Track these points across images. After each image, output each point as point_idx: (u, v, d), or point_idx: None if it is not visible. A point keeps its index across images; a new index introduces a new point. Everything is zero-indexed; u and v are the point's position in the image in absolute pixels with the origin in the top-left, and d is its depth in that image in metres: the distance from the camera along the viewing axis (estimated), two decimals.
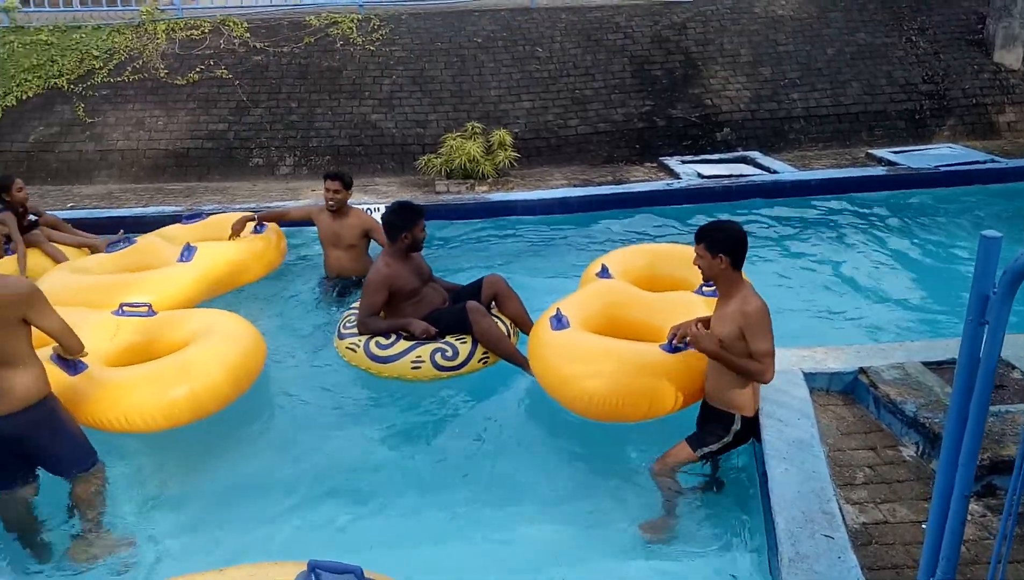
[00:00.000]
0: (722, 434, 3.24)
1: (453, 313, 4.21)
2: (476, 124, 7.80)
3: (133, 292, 4.59)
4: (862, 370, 3.62)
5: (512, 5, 9.45)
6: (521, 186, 7.64)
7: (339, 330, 4.42)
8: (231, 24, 8.96)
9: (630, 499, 3.29)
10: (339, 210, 5.24)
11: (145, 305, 4.28)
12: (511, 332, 4.33)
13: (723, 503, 3.28)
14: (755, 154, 8.29)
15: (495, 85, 8.68)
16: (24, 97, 8.52)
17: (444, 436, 3.85)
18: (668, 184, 7.44)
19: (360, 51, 8.80)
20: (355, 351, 4.19)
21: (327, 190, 5.19)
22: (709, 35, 9.13)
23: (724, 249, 3.07)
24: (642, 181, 7.66)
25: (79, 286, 4.75)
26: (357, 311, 4.30)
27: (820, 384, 3.67)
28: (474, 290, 4.42)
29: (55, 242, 5.58)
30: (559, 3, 9.55)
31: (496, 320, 4.26)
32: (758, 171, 7.75)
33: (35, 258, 5.36)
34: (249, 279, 5.35)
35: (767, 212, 6.95)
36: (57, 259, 5.41)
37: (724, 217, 6.57)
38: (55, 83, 8.56)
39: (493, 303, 4.42)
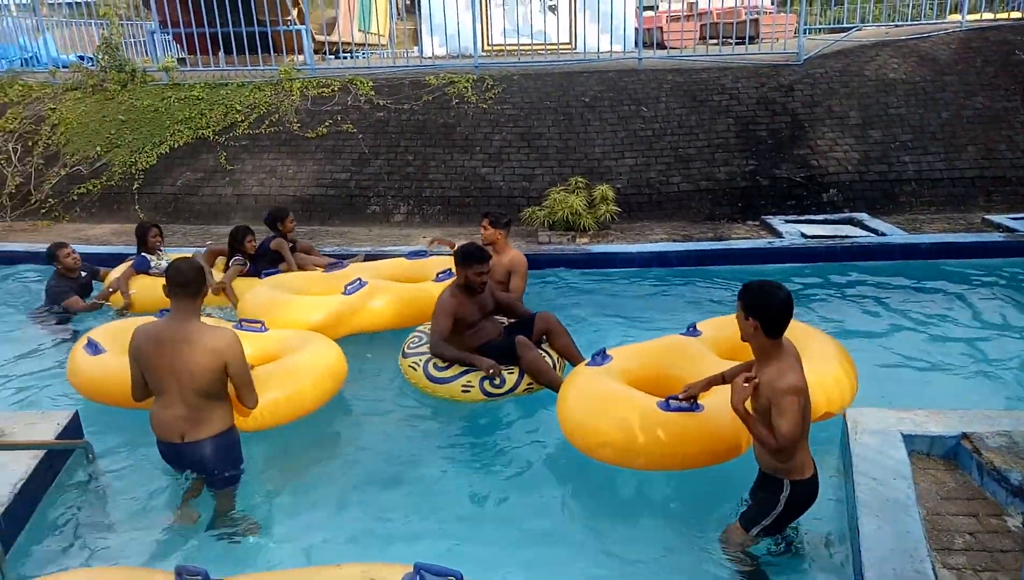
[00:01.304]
0: (772, 505, 2.96)
1: (504, 345, 4.65)
2: (580, 179, 8.11)
3: (285, 313, 5.27)
4: (965, 435, 3.56)
5: (620, 67, 9.82)
6: (621, 239, 7.84)
7: (403, 349, 4.97)
8: (358, 83, 9.75)
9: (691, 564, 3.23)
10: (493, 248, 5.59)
11: (259, 322, 4.92)
12: (557, 364, 4.73)
13: (806, 567, 3.19)
14: (862, 216, 8.19)
15: (600, 142, 9.00)
16: (176, 145, 9.53)
17: (495, 455, 4.17)
18: (770, 242, 7.46)
19: (473, 109, 9.36)
20: (415, 370, 4.70)
21: (482, 228, 5.66)
22: (817, 97, 9.16)
23: (756, 313, 2.83)
24: (744, 238, 7.71)
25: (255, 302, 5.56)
26: (426, 334, 4.95)
27: (920, 447, 3.62)
28: (527, 325, 4.88)
29: (315, 264, 6.52)
30: (666, 65, 9.84)
31: (543, 353, 4.67)
32: (865, 233, 7.65)
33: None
34: (399, 325, 5.63)
35: (873, 274, 6.84)
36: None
37: (832, 277, 6.63)
38: (202, 133, 9.54)
39: (545, 338, 4.87)
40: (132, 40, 12.24)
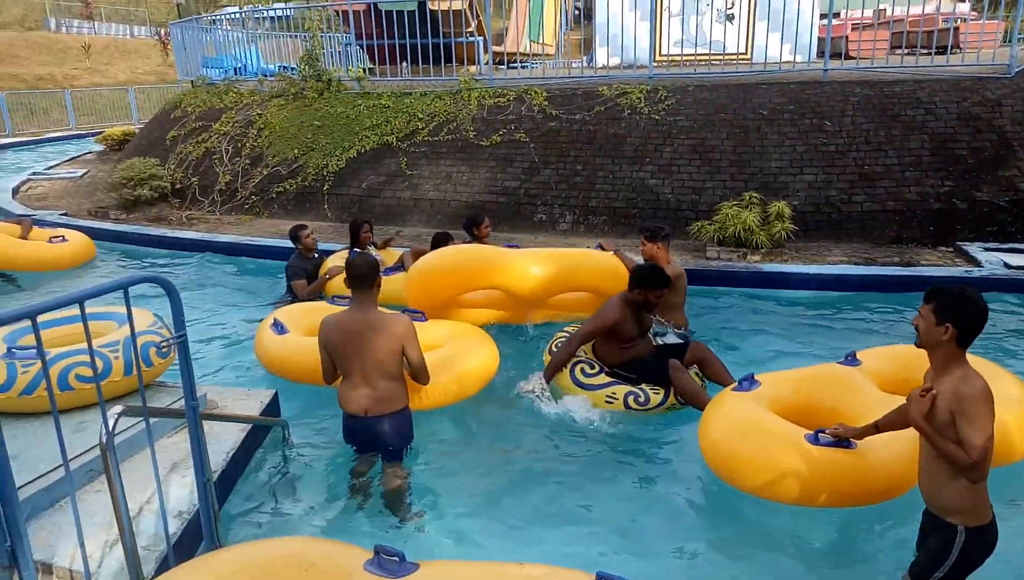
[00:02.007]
0: (945, 555, 2.68)
1: (653, 364, 4.78)
2: (754, 194, 7.86)
3: None
4: None
5: (802, 79, 9.40)
6: (796, 259, 7.51)
7: (549, 347, 5.20)
8: (532, 93, 10.01)
9: None
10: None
11: (420, 313, 5.30)
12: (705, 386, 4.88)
13: None
14: None
15: (776, 157, 8.67)
16: (363, 150, 10.25)
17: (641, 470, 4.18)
18: (967, 271, 6.85)
19: (645, 120, 9.33)
20: (563, 370, 4.87)
21: (641, 244, 5.75)
22: None
23: (954, 319, 2.59)
24: (934, 265, 7.14)
25: None
26: (567, 333, 5.16)
27: None
28: (680, 351, 4.95)
29: None
30: (854, 77, 9.30)
31: (693, 376, 4.80)
32: None
33: None
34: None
35: None
36: None
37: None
38: (387, 140, 10.20)
39: (697, 367, 5.00)
40: (326, 51, 13.28)
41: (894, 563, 3.17)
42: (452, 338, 5.06)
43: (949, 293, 2.65)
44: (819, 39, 11.48)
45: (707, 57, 10.57)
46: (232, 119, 11.51)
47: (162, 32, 34.73)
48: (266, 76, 12.47)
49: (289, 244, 7.08)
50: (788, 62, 10.33)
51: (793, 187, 8.40)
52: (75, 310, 2.48)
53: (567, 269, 5.72)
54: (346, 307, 3.95)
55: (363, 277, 3.74)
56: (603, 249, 6.11)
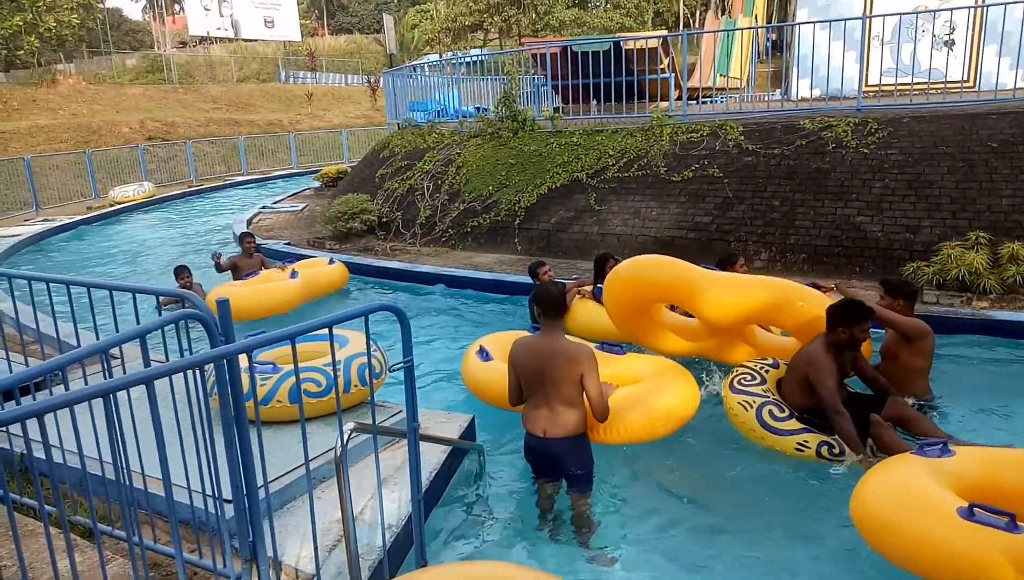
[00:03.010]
0: None
1: (852, 416, 4.31)
2: (982, 234, 7.10)
3: None
4: None
5: None
6: None
7: (731, 384, 4.79)
8: (728, 128, 9.79)
9: None
10: None
11: (619, 346, 5.26)
12: None
13: None
14: None
15: (1009, 193, 7.78)
16: (553, 186, 10.53)
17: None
18: None
19: (852, 154, 8.77)
20: (747, 410, 4.56)
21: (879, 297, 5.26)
22: None
23: None
24: None
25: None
26: (759, 373, 4.80)
27: None
28: (878, 404, 4.55)
29: None
30: None
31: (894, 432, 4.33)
32: None
33: None
34: None
35: None
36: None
37: None
38: (577, 176, 10.41)
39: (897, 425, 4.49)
40: (521, 92, 13.88)
41: None
42: (652, 374, 4.96)
43: None
44: None
45: (924, 86, 9.78)
46: (434, 158, 12.31)
47: (372, 80, 38.12)
48: (465, 117, 13.23)
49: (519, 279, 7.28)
50: (1021, 89, 9.28)
51: None
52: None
53: (775, 300, 5.13)
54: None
55: (551, 306, 3.89)
56: (818, 288, 5.50)
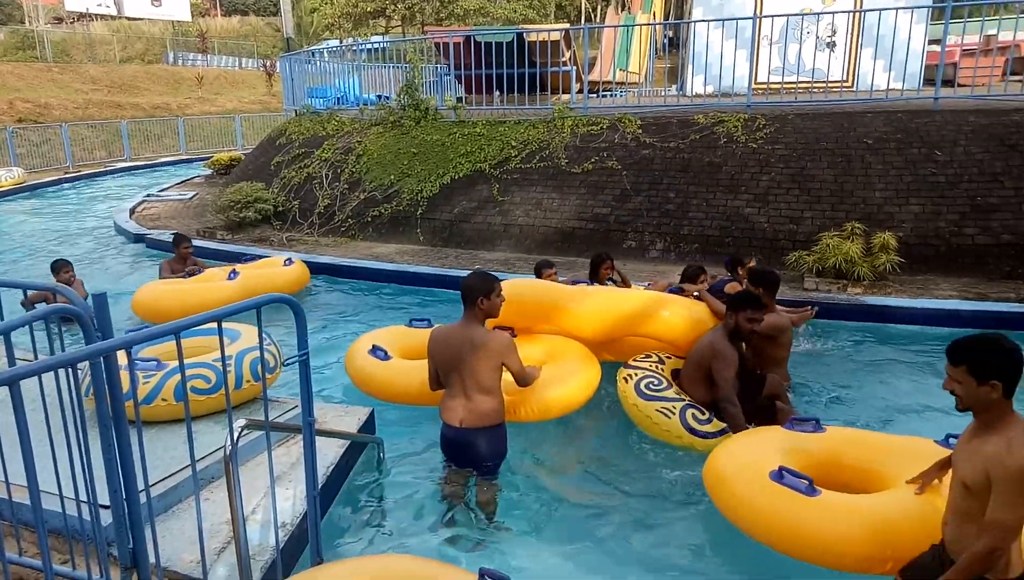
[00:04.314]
0: None
1: (760, 407, 4.53)
2: (857, 225, 7.58)
3: None
4: None
5: (911, 107, 9.05)
6: (901, 293, 7.18)
7: (639, 388, 4.61)
8: (626, 121, 10.02)
9: None
10: None
11: (508, 329, 5.21)
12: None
13: None
14: None
15: (881, 187, 8.34)
16: (456, 177, 10.48)
17: None
18: None
19: (742, 148, 9.16)
20: (668, 417, 4.39)
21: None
22: None
23: (998, 373, 2.35)
24: None
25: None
26: (647, 368, 4.80)
27: None
28: (758, 385, 4.66)
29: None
30: (967, 105, 8.88)
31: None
32: None
33: None
34: None
35: None
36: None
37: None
38: (480, 167, 10.39)
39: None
40: (424, 81, 13.71)
41: None
42: (555, 355, 5.07)
43: (982, 347, 2.40)
44: (926, 66, 11.05)
45: (808, 84, 10.32)
46: (333, 146, 12.00)
47: (268, 64, 36.72)
48: (367, 105, 12.96)
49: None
50: (893, 90, 9.96)
51: (898, 218, 8.06)
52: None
53: (640, 311, 5.22)
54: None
55: (465, 294, 3.86)
56: (682, 293, 5.67)
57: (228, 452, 2.42)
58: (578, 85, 11.51)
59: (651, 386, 4.61)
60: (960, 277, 7.61)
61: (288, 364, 2.89)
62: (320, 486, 3.74)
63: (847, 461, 3.67)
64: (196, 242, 10.50)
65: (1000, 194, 7.90)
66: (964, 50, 12.01)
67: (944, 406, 4.89)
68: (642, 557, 3.55)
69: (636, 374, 4.76)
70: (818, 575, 3.20)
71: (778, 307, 6.25)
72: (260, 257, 8.84)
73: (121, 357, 2.63)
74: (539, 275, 6.29)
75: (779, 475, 3.32)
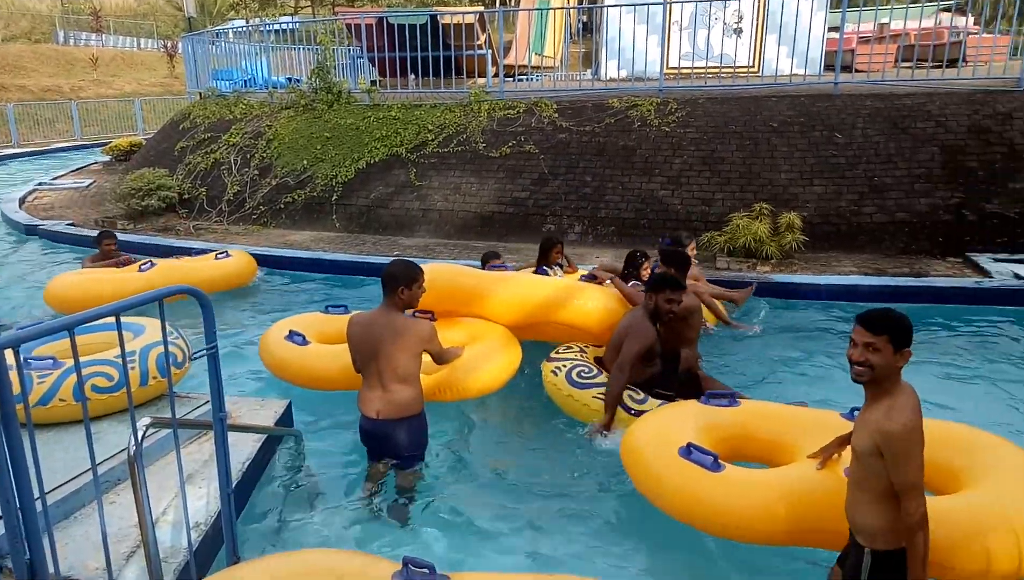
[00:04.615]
0: (852, 575, 2.60)
1: (687, 378, 4.68)
2: (765, 205, 7.85)
3: None
4: None
5: (813, 92, 9.42)
6: (806, 270, 7.49)
7: (571, 378, 4.62)
8: (543, 105, 10.04)
9: None
10: None
11: (429, 313, 5.14)
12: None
13: None
14: None
15: (786, 168, 8.67)
16: (372, 161, 10.27)
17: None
18: (977, 282, 6.84)
19: (655, 132, 9.34)
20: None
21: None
22: None
23: (910, 343, 2.47)
24: (945, 276, 7.13)
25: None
26: (573, 359, 4.79)
27: None
28: (674, 361, 4.75)
29: (712, 293, 6.45)
30: (864, 90, 9.32)
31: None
32: None
33: None
34: None
35: None
36: (712, 308, 6.23)
37: None
38: (396, 151, 10.22)
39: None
40: (336, 64, 13.35)
41: None
42: (473, 337, 5.07)
43: (896, 318, 2.49)
44: (826, 53, 11.52)
45: (716, 70, 10.60)
46: (241, 130, 11.55)
47: (169, 45, 34.98)
48: (276, 88, 12.52)
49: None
50: (796, 75, 10.35)
51: (803, 198, 8.40)
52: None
53: (553, 300, 5.26)
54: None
55: (385, 282, 3.78)
56: (594, 279, 5.65)
57: (132, 452, 2.28)
58: (494, 69, 11.46)
59: (583, 374, 4.60)
60: (860, 254, 8.01)
61: (196, 358, 2.77)
62: (235, 483, 3.62)
63: (758, 434, 3.77)
64: (95, 232, 9.90)
65: (894, 174, 8.35)
66: (860, 37, 12.61)
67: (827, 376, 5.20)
68: (567, 536, 3.58)
69: (564, 365, 4.73)
70: (738, 550, 3.32)
71: (718, 287, 6.47)
72: (205, 252, 8.16)
73: (10, 356, 2.44)
74: (484, 266, 6.20)
75: (687, 451, 3.39)
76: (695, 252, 6.41)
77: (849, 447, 3.13)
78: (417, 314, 5.23)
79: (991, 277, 6.94)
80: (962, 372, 5.39)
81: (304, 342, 5.12)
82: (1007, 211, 7.86)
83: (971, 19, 14.67)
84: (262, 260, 8.67)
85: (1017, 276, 6.88)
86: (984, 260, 7.42)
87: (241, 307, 7.30)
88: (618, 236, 8.79)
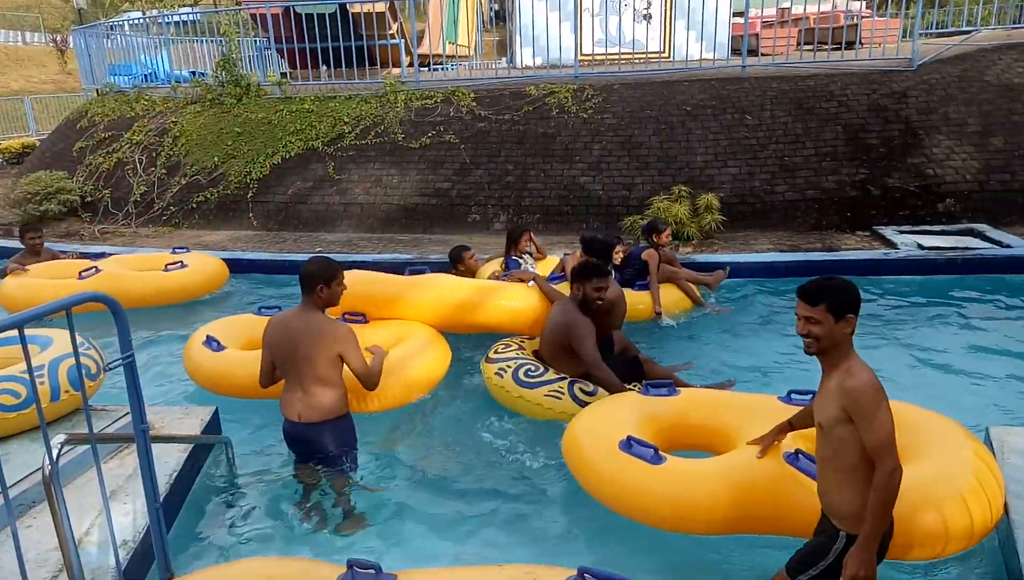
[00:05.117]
0: (822, 554, 2.55)
1: (623, 363, 4.61)
2: (683, 188, 8.04)
3: None
4: None
5: (723, 75, 9.69)
6: (726, 249, 7.72)
7: (519, 378, 4.45)
8: (460, 94, 9.96)
9: None
10: None
11: (361, 315, 5.15)
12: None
13: None
14: (983, 227, 7.80)
15: (702, 151, 8.90)
16: (287, 156, 9.97)
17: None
18: (885, 253, 7.20)
19: (573, 118, 9.42)
20: (560, 398, 4.27)
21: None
22: (933, 104, 8.79)
23: (851, 307, 2.45)
24: (855, 250, 7.47)
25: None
26: (516, 358, 4.62)
27: None
28: (608, 341, 4.71)
29: (687, 277, 6.48)
30: (770, 72, 9.65)
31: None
32: (987, 245, 7.29)
33: (668, 292, 6.24)
34: None
35: (996, 288, 6.51)
36: (688, 292, 6.27)
37: (954, 291, 6.34)
38: (312, 145, 9.95)
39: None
40: (243, 56, 12.87)
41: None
42: (400, 339, 4.93)
43: (834, 286, 2.49)
44: (733, 37, 11.87)
45: (629, 56, 10.76)
46: (145, 128, 11.00)
47: (59, 39, 32.94)
48: (179, 83, 11.97)
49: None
50: (706, 60, 10.62)
51: (719, 180, 8.64)
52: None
53: (474, 301, 5.22)
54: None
55: (304, 281, 3.65)
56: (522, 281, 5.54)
57: (48, 471, 2.13)
58: (408, 58, 11.29)
59: (530, 373, 4.43)
60: (775, 231, 8.31)
61: (111, 369, 2.61)
62: (163, 496, 3.46)
63: (698, 423, 3.74)
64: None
65: (803, 153, 8.69)
66: (764, 22, 13.06)
67: (786, 357, 5.33)
68: (510, 533, 3.51)
69: (508, 365, 4.54)
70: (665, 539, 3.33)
71: (693, 272, 6.56)
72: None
73: None
74: (458, 260, 6.13)
75: (627, 444, 3.34)
76: (669, 238, 6.51)
77: (788, 435, 3.21)
78: (347, 316, 5.15)
79: (897, 248, 7.32)
80: (880, 342, 5.60)
81: (219, 348, 4.95)
82: (907, 185, 8.30)
83: (864, 3, 15.41)
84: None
85: (920, 246, 7.28)
86: (890, 232, 7.82)
87: (167, 313, 6.94)
88: (543, 223, 8.83)
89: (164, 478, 3.60)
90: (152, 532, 2.68)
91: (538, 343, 4.86)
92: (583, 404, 4.18)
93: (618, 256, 5.92)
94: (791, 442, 3.25)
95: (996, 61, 9.14)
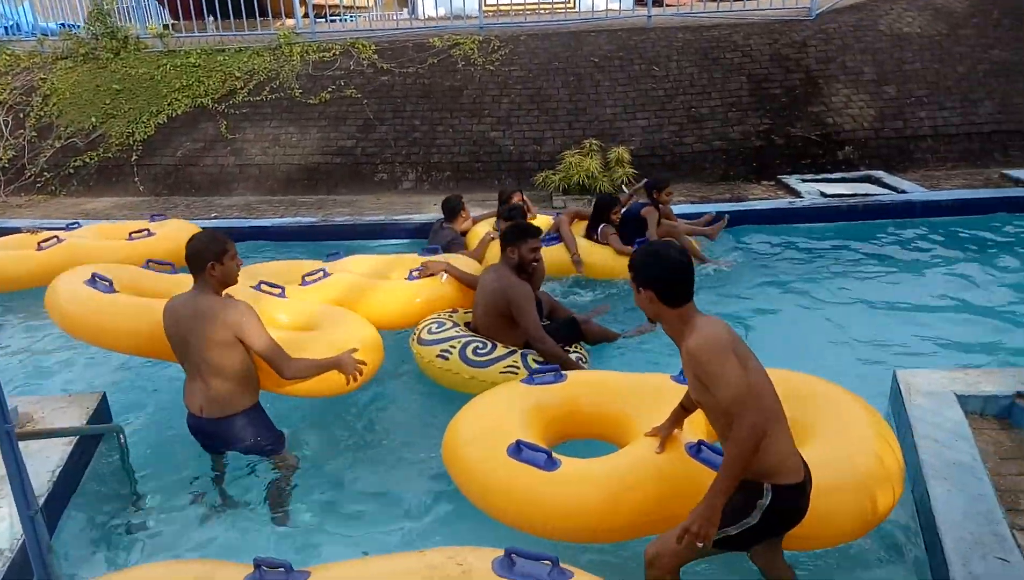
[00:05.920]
0: (744, 512, 2.35)
1: (565, 326, 4.49)
2: (594, 141, 7.94)
3: None
4: (1020, 394, 3.51)
5: (629, 25, 9.59)
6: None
7: (467, 357, 4.06)
8: (360, 47, 9.47)
9: None
10: None
11: (279, 287, 4.53)
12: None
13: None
14: (880, 173, 8.08)
15: (611, 104, 8.81)
16: (174, 115, 9.26)
17: None
18: (791, 202, 7.35)
19: (480, 71, 9.12)
20: (517, 372, 3.91)
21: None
22: (831, 53, 8.98)
23: (648, 282, 2.35)
24: (762, 199, 7.60)
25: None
26: (460, 337, 4.17)
27: (974, 407, 3.56)
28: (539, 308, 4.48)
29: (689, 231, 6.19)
30: (676, 23, 9.61)
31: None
32: (884, 190, 7.56)
33: None
34: None
35: (895, 233, 6.76)
36: (689, 248, 5.84)
37: (856, 236, 6.53)
38: (201, 102, 9.27)
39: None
40: (119, 6, 11.82)
41: None
42: (325, 320, 4.24)
43: (643, 256, 2.40)
44: None
45: (535, 6, 10.51)
46: (9, 85, 9.96)
47: None
48: (47, 35, 10.89)
49: None
50: (612, 10, 10.49)
51: (628, 132, 8.59)
52: None
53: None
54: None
55: (190, 258, 3.21)
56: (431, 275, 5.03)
57: None
58: (303, 9, 10.64)
59: (479, 351, 4.03)
60: (684, 182, 8.35)
61: None
62: (44, 497, 3.12)
63: (590, 410, 3.43)
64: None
65: (709, 105, 8.73)
66: None
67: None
68: (437, 526, 3.29)
69: (453, 345, 4.06)
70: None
71: (692, 225, 6.38)
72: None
73: None
74: (456, 214, 5.97)
75: (517, 450, 2.94)
76: (671, 196, 6.20)
77: (688, 423, 2.97)
78: (264, 287, 4.54)
79: (801, 197, 7.48)
80: (785, 292, 5.67)
81: (110, 289, 4.20)
82: (809, 133, 8.49)
83: None
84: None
85: (823, 194, 7.47)
86: (793, 181, 7.99)
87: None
88: (454, 181, 8.58)
89: (45, 476, 3.25)
90: (27, 542, 2.38)
91: (471, 317, 4.49)
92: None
93: (616, 216, 5.80)
94: (691, 431, 3.02)
95: (888, 11, 9.40)
